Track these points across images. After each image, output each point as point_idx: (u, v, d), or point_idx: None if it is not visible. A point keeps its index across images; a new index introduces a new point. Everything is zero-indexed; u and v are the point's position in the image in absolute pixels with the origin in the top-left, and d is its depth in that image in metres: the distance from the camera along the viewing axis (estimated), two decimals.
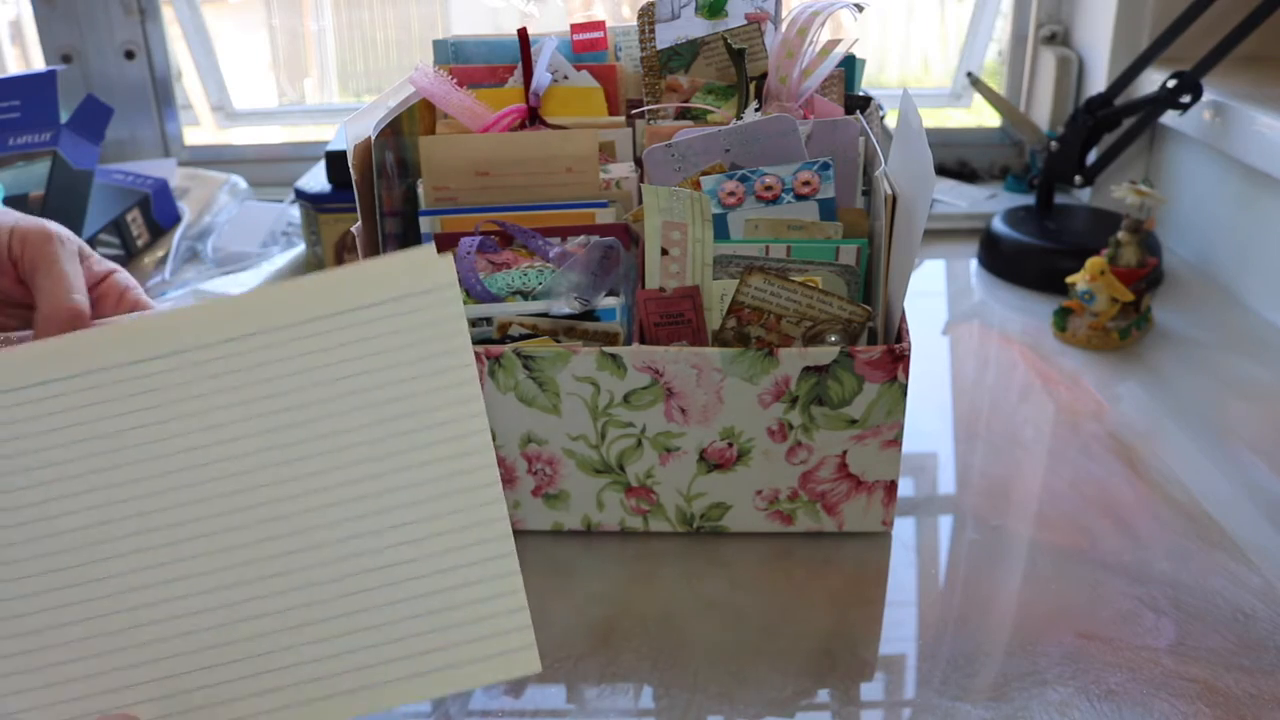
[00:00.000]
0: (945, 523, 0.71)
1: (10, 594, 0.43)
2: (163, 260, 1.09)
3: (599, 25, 0.82)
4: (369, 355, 0.43)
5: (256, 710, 0.42)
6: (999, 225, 1.12)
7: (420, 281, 0.44)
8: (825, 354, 0.62)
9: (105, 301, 0.51)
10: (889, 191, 0.64)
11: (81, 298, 0.48)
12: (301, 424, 0.43)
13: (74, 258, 0.49)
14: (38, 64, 1.33)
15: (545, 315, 0.65)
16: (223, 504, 0.43)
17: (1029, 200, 1.23)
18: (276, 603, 0.43)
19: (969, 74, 1.25)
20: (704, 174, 0.68)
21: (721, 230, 0.68)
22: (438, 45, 0.85)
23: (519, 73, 0.81)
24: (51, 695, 0.42)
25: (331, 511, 0.43)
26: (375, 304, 0.44)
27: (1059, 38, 1.29)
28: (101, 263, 0.52)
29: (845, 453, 0.65)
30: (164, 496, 0.43)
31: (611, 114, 0.81)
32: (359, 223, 0.67)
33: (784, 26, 0.75)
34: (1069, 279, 0.95)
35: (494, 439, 0.66)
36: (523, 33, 0.79)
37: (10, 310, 0.52)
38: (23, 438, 0.43)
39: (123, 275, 0.52)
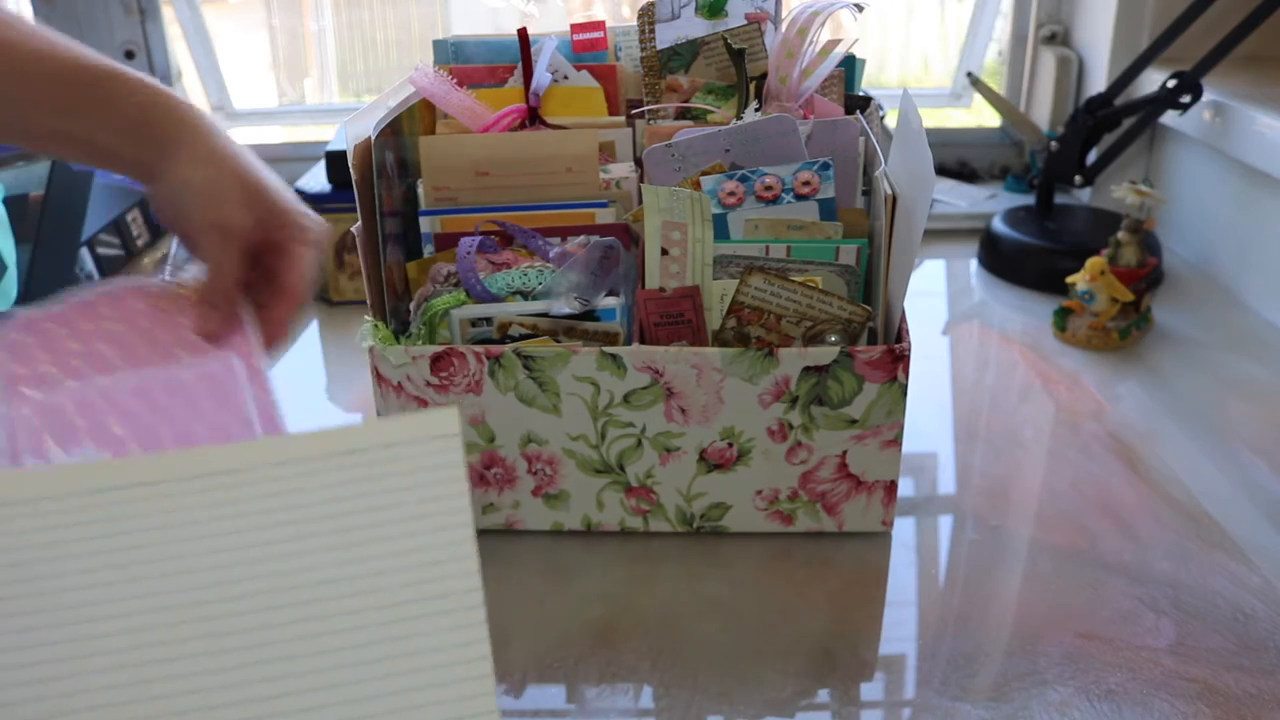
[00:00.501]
0: (945, 523, 0.71)
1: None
2: (163, 260, 1.09)
3: (599, 25, 0.82)
4: (366, 494, 0.45)
5: None
6: (999, 225, 1.12)
7: (424, 430, 0.45)
8: (825, 354, 0.62)
9: (273, 248, 0.59)
10: (889, 191, 0.64)
11: (217, 281, 0.59)
12: (295, 555, 0.44)
13: (229, 244, 0.58)
14: None
15: (545, 315, 0.65)
16: (207, 629, 0.43)
17: (1029, 200, 1.23)
18: None
19: (969, 74, 1.25)
20: (704, 174, 0.68)
21: (721, 230, 0.68)
22: (438, 45, 0.85)
23: (519, 73, 0.81)
24: None
25: (309, 646, 0.43)
26: (377, 447, 0.45)
27: (1059, 38, 1.29)
28: (288, 216, 0.59)
29: (845, 453, 0.65)
30: (152, 619, 0.43)
31: (611, 114, 0.81)
32: (359, 223, 0.67)
33: (784, 26, 0.75)
34: (1069, 279, 0.95)
35: (494, 439, 0.66)
36: (523, 33, 0.79)
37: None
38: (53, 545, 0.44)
39: (299, 229, 0.59)
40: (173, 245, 1.09)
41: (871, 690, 0.57)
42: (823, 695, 0.56)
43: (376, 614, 0.43)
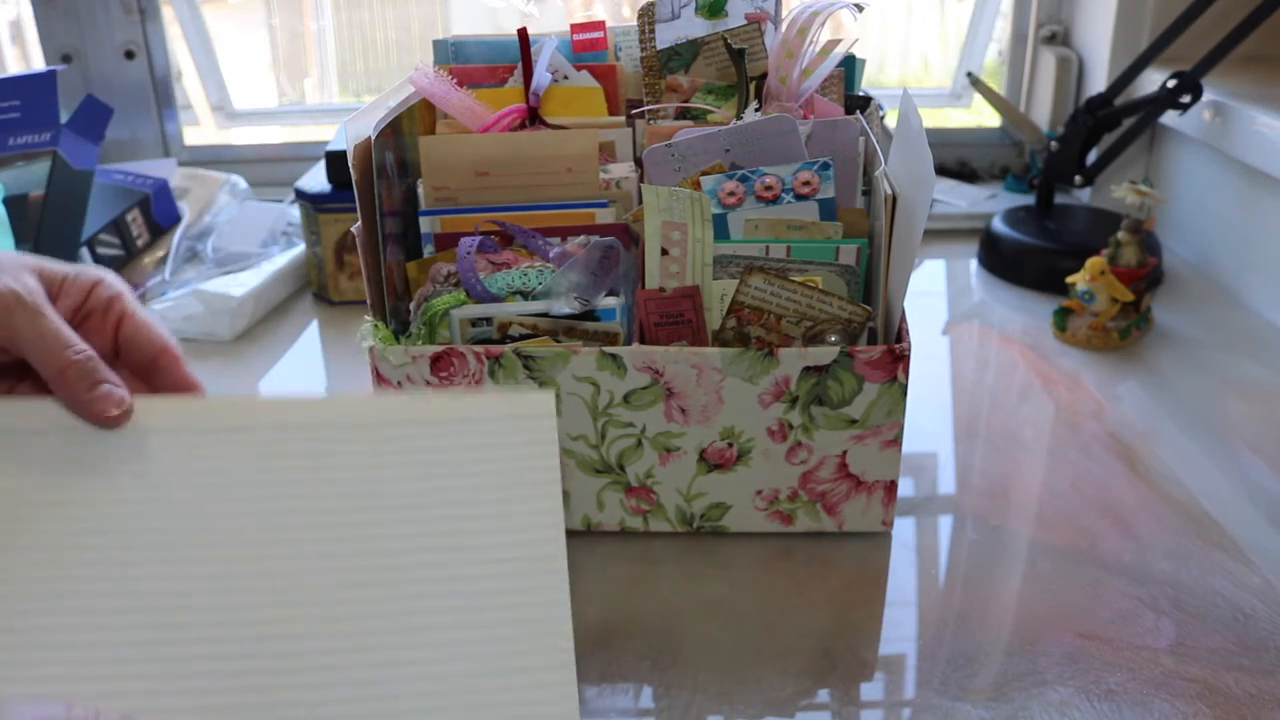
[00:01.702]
0: (945, 523, 0.71)
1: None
2: (163, 260, 1.09)
3: (599, 25, 0.82)
4: (465, 461, 0.48)
5: None
6: (999, 225, 1.12)
7: (521, 407, 0.49)
8: (825, 354, 0.62)
9: (94, 317, 0.49)
10: (889, 191, 0.64)
11: (72, 352, 0.47)
12: (389, 509, 0.47)
13: (41, 312, 0.46)
14: (38, 64, 1.33)
15: (545, 315, 0.65)
16: (300, 573, 0.46)
17: (1029, 200, 1.23)
18: (326, 674, 0.44)
19: (969, 74, 1.25)
20: (704, 174, 0.68)
21: (721, 230, 0.68)
22: (438, 45, 0.85)
23: (519, 73, 0.81)
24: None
25: (399, 591, 0.46)
26: (477, 419, 0.49)
27: (1059, 38, 1.29)
28: (81, 276, 0.49)
29: (845, 453, 0.65)
30: (256, 550, 0.46)
31: (611, 114, 0.81)
32: (359, 223, 0.67)
33: (784, 26, 0.75)
34: (1069, 279, 0.95)
35: None
36: (523, 33, 0.79)
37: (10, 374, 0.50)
38: (149, 473, 0.47)
39: (108, 283, 0.50)
40: (173, 244, 1.09)
41: (871, 690, 0.57)
42: (823, 695, 0.56)
43: (461, 560, 0.46)
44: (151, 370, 0.50)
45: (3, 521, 0.46)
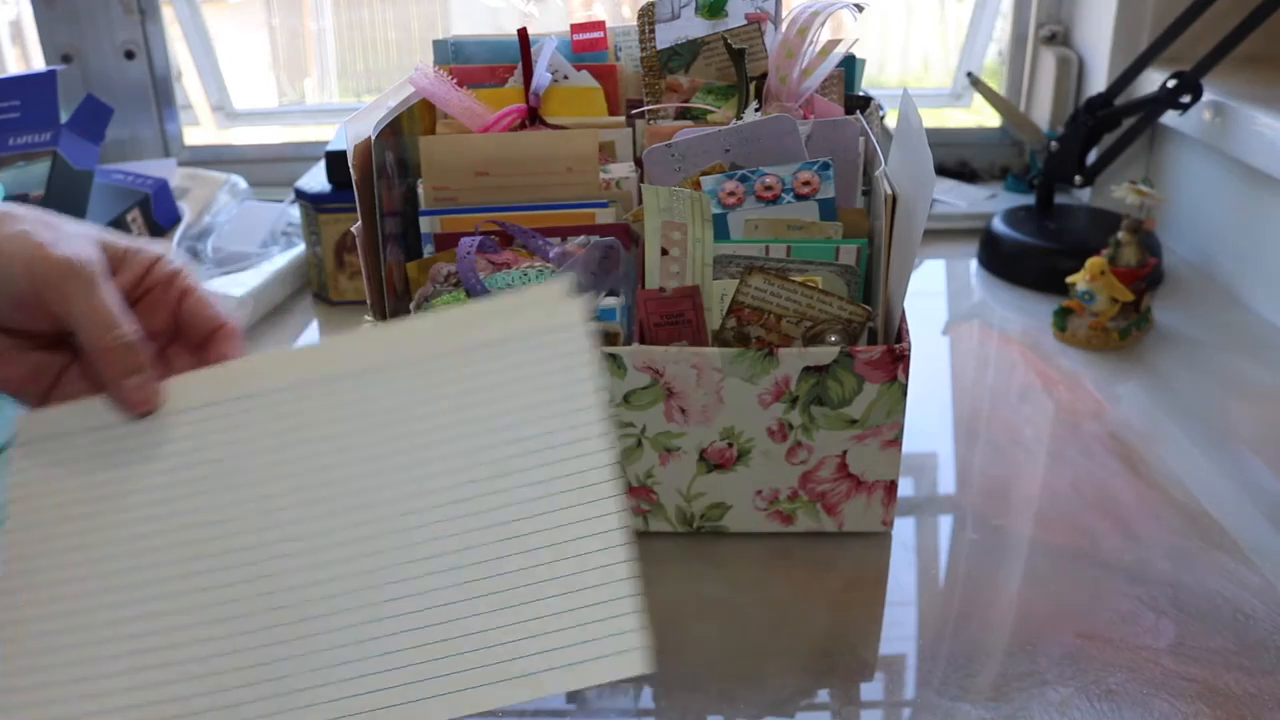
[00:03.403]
0: (945, 523, 0.71)
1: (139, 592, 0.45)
2: None
3: (599, 25, 0.82)
4: (501, 384, 0.47)
5: (363, 708, 0.42)
6: (999, 225, 1.12)
7: (550, 320, 0.48)
8: (825, 354, 0.62)
9: (154, 292, 0.49)
10: (889, 191, 0.64)
11: (117, 334, 0.46)
12: (434, 444, 0.46)
13: (95, 284, 0.46)
14: (38, 64, 1.33)
15: None
16: (350, 517, 0.45)
17: (1029, 200, 1.23)
18: (393, 605, 0.44)
19: (969, 74, 1.25)
20: (704, 174, 0.68)
21: (721, 230, 0.68)
22: (438, 45, 0.85)
23: (519, 73, 0.81)
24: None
25: (453, 519, 0.45)
26: (508, 339, 0.48)
27: (1059, 38, 1.29)
28: (142, 251, 0.49)
29: (845, 453, 0.65)
30: (300, 510, 0.46)
31: (611, 114, 0.81)
32: (359, 223, 0.67)
33: (784, 26, 0.75)
34: (1069, 279, 0.95)
35: None
36: (523, 33, 0.79)
37: (56, 346, 0.49)
38: (191, 452, 0.48)
39: (168, 260, 0.50)
40: (173, 245, 1.09)
41: (871, 690, 0.57)
42: (823, 695, 0.56)
43: (508, 489, 0.45)
44: (206, 345, 0.50)
45: (48, 526, 0.47)
